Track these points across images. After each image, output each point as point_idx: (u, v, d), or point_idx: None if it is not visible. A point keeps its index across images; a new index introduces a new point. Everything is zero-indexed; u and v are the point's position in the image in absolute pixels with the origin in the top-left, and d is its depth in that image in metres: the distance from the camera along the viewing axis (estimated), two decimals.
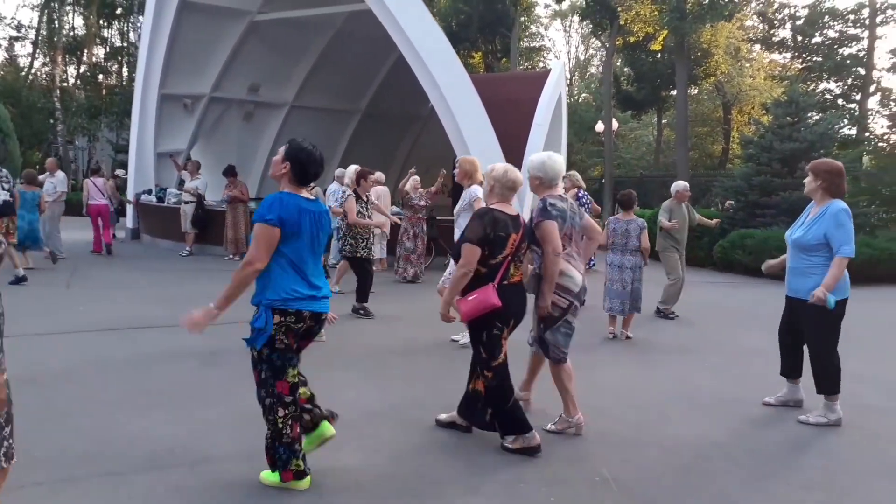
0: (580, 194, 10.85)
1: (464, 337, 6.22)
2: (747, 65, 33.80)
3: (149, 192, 15.20)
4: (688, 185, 9.01)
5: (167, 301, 8.33)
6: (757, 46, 35.10)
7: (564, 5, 38.71)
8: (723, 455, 4.05)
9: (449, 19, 31.45)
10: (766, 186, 14.69)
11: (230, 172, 13.08)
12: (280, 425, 3.31)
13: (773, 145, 15.08)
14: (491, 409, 4.06)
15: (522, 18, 35.19)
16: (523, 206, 12.69)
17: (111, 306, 8.06)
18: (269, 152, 16.47)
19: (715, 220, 10.42)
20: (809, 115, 16.30)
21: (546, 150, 14.19)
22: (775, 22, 33.36)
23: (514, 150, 12.93)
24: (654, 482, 3.65)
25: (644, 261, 7.42)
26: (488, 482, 3.57)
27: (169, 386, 5.05)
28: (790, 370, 4.92)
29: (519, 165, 13.34)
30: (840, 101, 31.38)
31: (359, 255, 8.04)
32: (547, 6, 43.28)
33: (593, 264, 9.14)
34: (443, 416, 4.38)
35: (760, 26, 34.56)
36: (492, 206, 4.05)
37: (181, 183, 14.37)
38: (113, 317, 7.39)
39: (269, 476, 3.44)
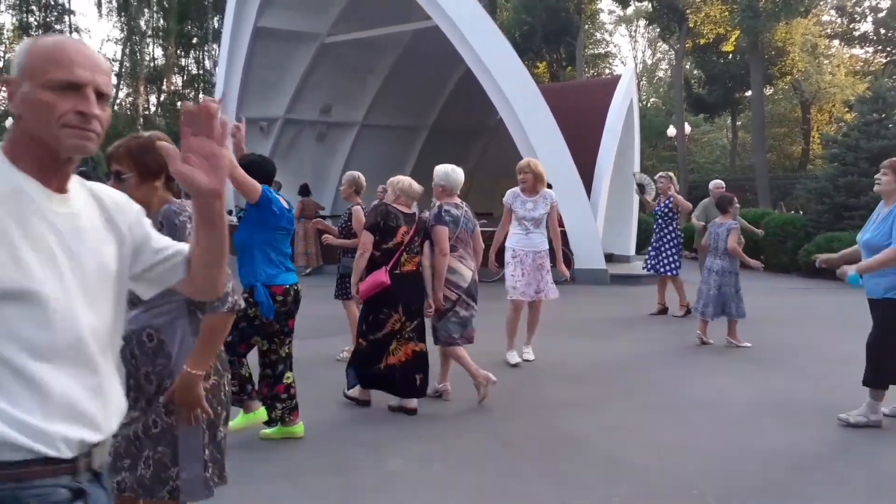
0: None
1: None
2: (826, 61, 32.47)
3: (230, 212, 15.75)
4: (722, 182, 9.01)
5: None
6: (836, 42, 33.70)
7: (629, 10, 38.20)
8: (823, 469, 3.86)
9: (513, 31, 31.45)
10: (852, 187, 14.00)
11: (302, 192, 13.45)
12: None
13: (860, 143, 14.39)
14: (354, 367, 4.80)
15: (587, 26, 34.88)
16: (597, 215, 12.56)
17: None
18: (342, 170, 16.81)
19: (760, 230, 9.80)
20: None
21: (618, 157, 13.99)
22: (855, 16, 31.94)
23: (585, 158, 12.81)
24: (752, 498, 3.50)
25: (736, 264, 7.01)
26: (580, 497, 3.50)
27: None
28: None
29: (591, 173, 13.26)
30: None
31: None
32: (611, 12, 42.86)
33: (677, 272, 8.81)
34: (392, 403, 4.87)
35: (839, 21, 33.17)
36: (387, 202, 4.89)
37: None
38: None
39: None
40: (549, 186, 6.83)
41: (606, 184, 13.27)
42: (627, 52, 72.69)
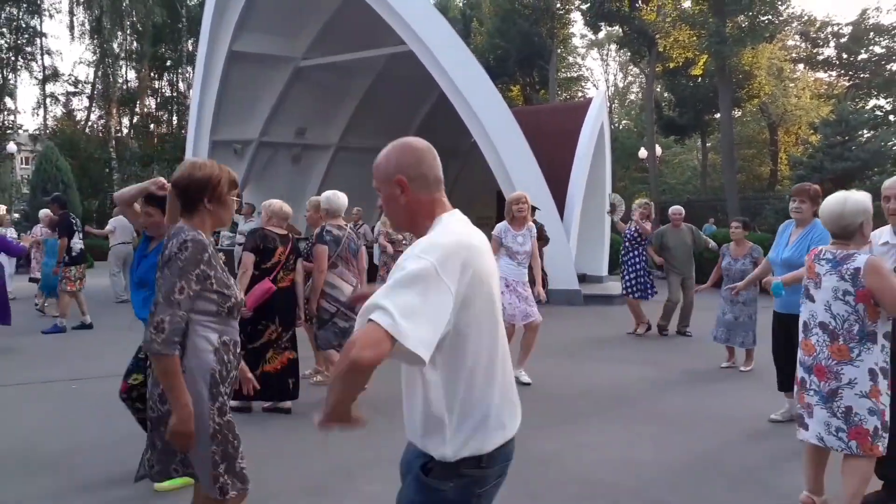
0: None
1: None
2: (792, 84, 33.30)
3: (217, 233, 15.66)
4: (681, 208, 9.24)
5: None
6: (801, 66, 34.60)
7: (601, 35, 38.92)
8: (793, 483, 3.95)
9: (487, 55, 31.87)
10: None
11: None
12: None
13: (824, 165, 14.84)
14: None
15: (559, 50, 35.45)
16: (570, 235, 12.67)
17: None
18: (318, 192, 16.82)
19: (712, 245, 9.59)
20: (860, 133, 15.99)
21: (590, 179, 14.15)
22: (818, 41, 32.87)
23: (558, 180, 12.98)
24: None
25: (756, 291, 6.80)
26: None
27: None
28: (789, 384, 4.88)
29: (563, 195, 13.41)
30: (892, 118, 30.61)
31: None
32: (583, 36, 43.64)
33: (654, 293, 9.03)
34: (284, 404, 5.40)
35: (803, 45, 34.10)
36: (263, 227, 5.47)
37: (235, 226, 14.76)
38: None
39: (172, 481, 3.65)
40: (535, 209, 7.02)
41: (579, 205, 13.45)
42: (600, 75, 73.94)
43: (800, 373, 3.36)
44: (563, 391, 6.21)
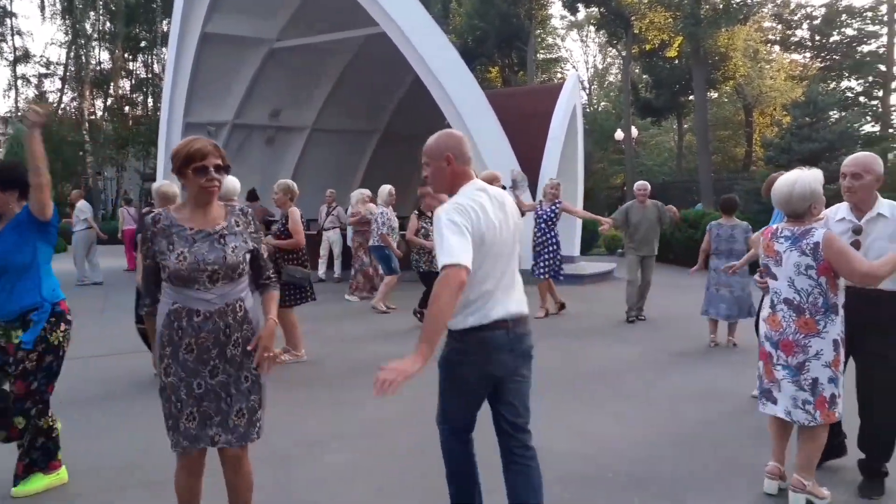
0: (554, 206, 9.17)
1: None
2: (767, 66, 33.60)
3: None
4: (646, 184, 8.95)
5: None
6: (776, 47, 34.92)
7: (580, 16, 38.94)
8: (739, 451, 4.15)
9: (465, 36, 31.82)
10: None
11: (250, 197, 13.27)
12: (52, 422, 3.63)
13: (793, 146, 15.09)
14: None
15: (538, 31, 35.44)
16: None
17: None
18: (293, 175, 16.82)
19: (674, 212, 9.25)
20: (829, 114, 16.27)
21: (563, 161, 14.26)
22: (792, 22, 33.18)
23: (531, 162, 13.10)
24: (665, 479, 3.76)
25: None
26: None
27: None
28: None
29: (536, 176, 13.55)
30: (862, 99, 31.05)
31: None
32: (563, 17, 43.60)
33: (562, 278, 9.07)
34: None
35: (778, 27, 34.39)
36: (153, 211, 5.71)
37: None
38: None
39: (31, 484, 3.57)
40: (504, 188, 7.13)
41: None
42: (580, 56, 74.03)
43: (766, 348, 3.46)
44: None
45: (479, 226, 2.54)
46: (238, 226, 2.70)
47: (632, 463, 3.99)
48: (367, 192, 11.08)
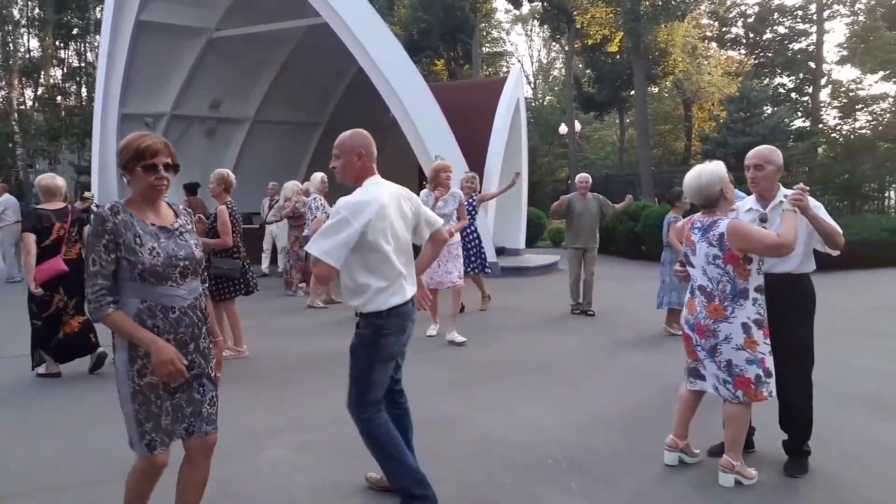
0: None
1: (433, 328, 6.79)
2: (705, 62, 34.53)
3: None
4: (588, 176, 8.94)
5: None
6: (713, 44, 35.89)
7: (524, 10, 39.21)
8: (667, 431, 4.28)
9: (410, 28, 31.69)
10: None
11: (189, 190, 12.95)
12: None
13: (728, 140, 15.57)
14: (34, 347, 5.79)
15: (483, 25, 35.57)
16: (487, 209, 12.90)
17: None
18: (234, 167, 16.49)
19: (622, 204, 9.24)
20: (762, 109, 16.83)
21: (507, 155, 14.38)
22: (728, 20, 34.17)
23: (476, 155, 13.18)
24: (602, 461, 3.85)
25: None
26: (447, 471, 3.73)
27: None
28: None
29: (481, 170, 13.63)
30: (794, 95, 32.23)
31: None
32: (507, 11, 43.83)
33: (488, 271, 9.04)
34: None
35: (715, 24, 35.37)
36: (38, 207, 5.77)
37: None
38: None
39: None
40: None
41: (496, 180, 13.69)
42: (525, 50, 74.65)
43: (686, 331, 3.65)
44: (468, 356, 6.44)
45: (374, 222, 3.00)
46: (189, 224, 2.73)
47: (571, 448, 4.07)
48: (299, 184, 10.95)
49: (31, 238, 5.53)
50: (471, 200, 8.62)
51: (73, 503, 3.47)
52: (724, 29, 34.66)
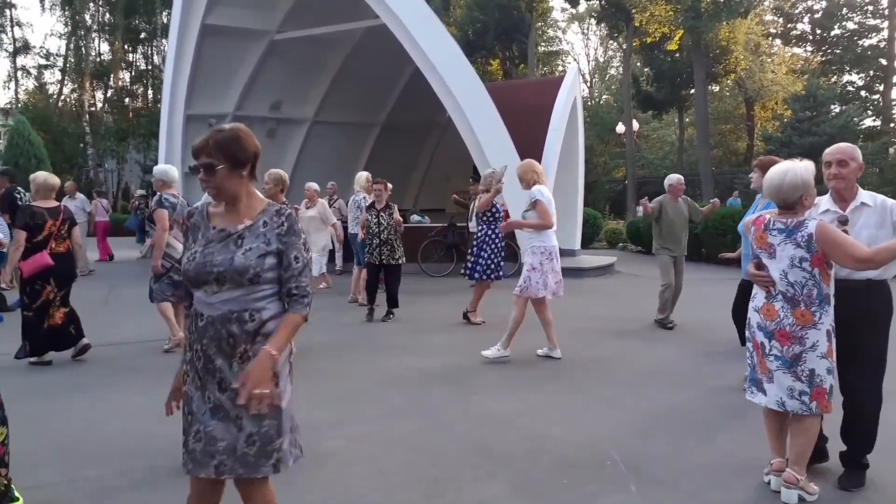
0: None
1: (494, 351, 6.35)
2: (768, 60, 33.54)
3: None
4: (682, 178, 8.39)
5: None
6: (777, 41, 34.86)
7: (581, 8, 38.82)
8: (716, 429, 4.20)
9: (466, 28, 31.76)
10: None
11: None
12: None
13: (793, 140, 15.11)
14: (24, 337, 6.06)
15: (539, 24, 35.37)
16: None
17: (149, 319, 8.31)
18: (293, 167, 16.85)
19: (707, 208, 8.95)
20: (830, 108, 16.28)
21: (563, 154, 14.23)
22: (793, 16, 33.11)
23: (532, 154, 13.06)
24: (657, 462, 3.81)
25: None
26: (505, 469, 3.75)
27: None
28: None
29: None
30: (863, 93, 31.03)
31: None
32: (564, 10, 43.46)
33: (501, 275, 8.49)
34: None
35: (779, 20, 34.33)
36: (32, 203, 6.12)
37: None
38: (153, 331, 7.69)
39: None
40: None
41: (552, 180, 13.61)
42: (581, 49, 73.86)
43: (759, 338, 3.46)
44: (519, 357, 6.43)
45: None
46: (265, 226, 2.40)
47: (627, 450, 4.04)
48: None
49: (22, 235, 5.84)
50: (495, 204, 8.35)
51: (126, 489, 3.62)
52: (789, 25, 33.62)
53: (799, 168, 3.32)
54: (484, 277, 8.32)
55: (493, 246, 8.33)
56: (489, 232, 8.32)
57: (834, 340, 3.34)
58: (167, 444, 3.81)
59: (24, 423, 4.23)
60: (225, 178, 2.36)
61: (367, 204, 8.73)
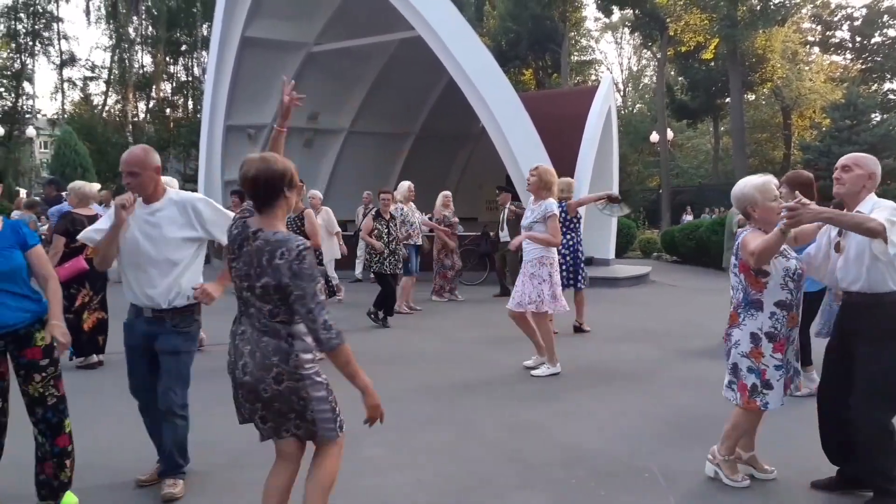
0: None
1: (539, 366, 6.32)
2: (806, 68, 33.03)
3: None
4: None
5: None
6: (815, 49, 34.32)
7: (614, 18, 38.74)
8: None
9: (499, 38, 31.91)
10: (825, 193, 14.40)
11: (243, 196, 13.53)
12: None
13: (832, 149, 14.90)
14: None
15: (572, 33, 35.36)
16: None
17: None
18: (329, 176, 17.11)
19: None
20: (870, 116, 16.00)
21: (598, 163, 14.21)
22: (832, 24, 32.58)
23: (566, 164, 13.13)
24: (694, 476, 3.83)
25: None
26: (541, 480, 3.79)
27: None
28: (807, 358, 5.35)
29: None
30: None
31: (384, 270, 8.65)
32: (597, 20, 43.41)
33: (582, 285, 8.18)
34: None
35: (817, 28, 33.80)
36: (72, 211, 6.29)
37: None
38: None
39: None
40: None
41: (586, 189, 13.60)
42: (614, 58, 73.49)
43: None
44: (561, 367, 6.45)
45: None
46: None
47: (665, 462, 4.05)
48: (446, 193, 11.39)
49: (62, 241, 6.00)
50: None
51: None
52: (827, 33, 33.08)
53: (746, 183, 3.59)
54: (581, 286, 8.16)
55: (579, 252, 8.33)
56: (577, 238, 8.35)
57: (768, 344, 3.47)
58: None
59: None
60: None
61: (375, 213, 8.89)
